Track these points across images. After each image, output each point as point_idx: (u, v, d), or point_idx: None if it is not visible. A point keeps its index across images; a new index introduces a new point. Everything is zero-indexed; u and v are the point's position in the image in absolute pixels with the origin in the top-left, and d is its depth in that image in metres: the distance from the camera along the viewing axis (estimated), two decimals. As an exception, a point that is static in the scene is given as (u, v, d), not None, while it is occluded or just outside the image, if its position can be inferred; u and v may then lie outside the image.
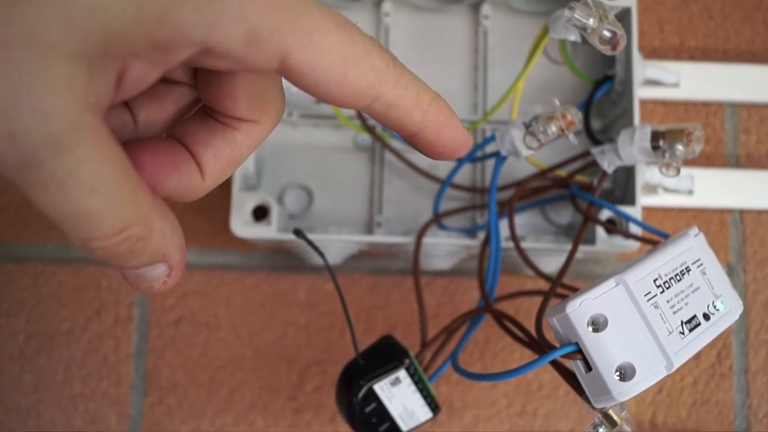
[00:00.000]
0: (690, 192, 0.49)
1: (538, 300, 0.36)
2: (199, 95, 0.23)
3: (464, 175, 0.49)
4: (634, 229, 0.42)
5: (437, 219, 0.46)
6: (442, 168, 0.48)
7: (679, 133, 0.36)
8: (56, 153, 0.16)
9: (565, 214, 0.49)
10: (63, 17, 0.16)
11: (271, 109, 0.22)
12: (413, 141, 0.23)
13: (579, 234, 0.39)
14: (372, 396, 0.37)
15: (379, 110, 0.21)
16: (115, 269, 0.20)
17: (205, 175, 0.22)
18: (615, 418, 0.31)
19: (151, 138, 0.22)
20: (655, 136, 0.37)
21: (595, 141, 0.46)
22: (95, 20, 0.16)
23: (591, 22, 0.35)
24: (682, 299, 0.31)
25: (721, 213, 0.53)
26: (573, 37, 0.37)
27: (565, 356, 0.30)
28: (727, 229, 0.53)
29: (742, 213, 0.53)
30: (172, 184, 0.22)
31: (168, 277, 0.21)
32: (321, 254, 0.38)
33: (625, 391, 0.29)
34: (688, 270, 0.32)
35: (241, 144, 0.23)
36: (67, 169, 0.16)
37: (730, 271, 0.52)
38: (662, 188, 0.49)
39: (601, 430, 0.32)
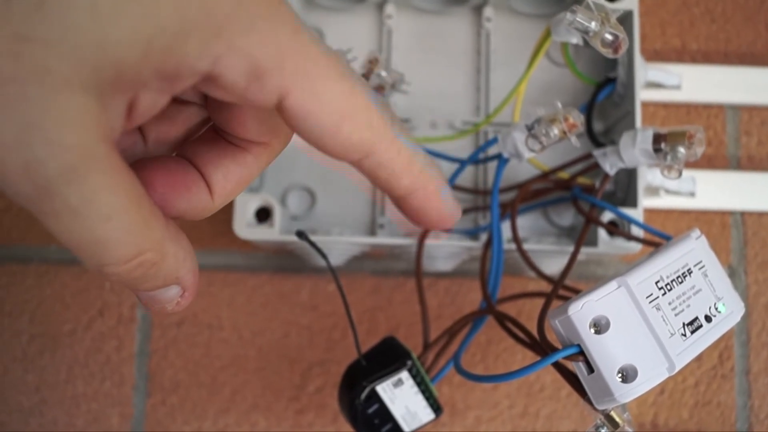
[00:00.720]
0: (692, 194, 0.49)
1: (540, 302, 0.37)
2: (210, 116, 0.23)
3: (467, 177, 0.49)
4: (636, 231, 0.42)
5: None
6: (445, 170, 0.48)
7: (681, 135, 0.36)
8: (71, 183, 0.16)
9: (566, 216, 0.49)
10: (75, 52, 0.16)
11: (280, 132, 0.23)
12: (399, 204, 0.23)
13: (581, 236, 0.39)
14: (374, 397, 0.38)
15: (368, 167, 0.21)
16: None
17: (214, 195, 0.23)
18: (617, 419, 0.32)
19: (161, 157, 0.23)
20: (657, 139, 0.37)
21: (597, 143, 0.46)
22: (106, 55, 0.16)
23: (593, 25, 0.35)
24: (684, 301, 0.31)
25: (723, 215, 0.53)
26: (575, 40, 0.37)
27: (567, 358, 0.30)
28: (728, 231, 0.53)
29: (743, 215, 0.53)
30: (182, 204, 0.22)
31: (181, 298, 0.22)
32: (324, 256, 0.38)
33: (627, 393, 0.29)
34: (689, 272, 0.32)
35: (250, 165, 0.23)
36: (81, 198, 0.17)
37: (732, 273, 0.52)
38: (664, 190, 0.49)
39: (603, 431, 0.32)
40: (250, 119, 0.21)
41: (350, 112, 0.20)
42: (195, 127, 0.23)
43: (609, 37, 0.35)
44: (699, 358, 0.50)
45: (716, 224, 0.53)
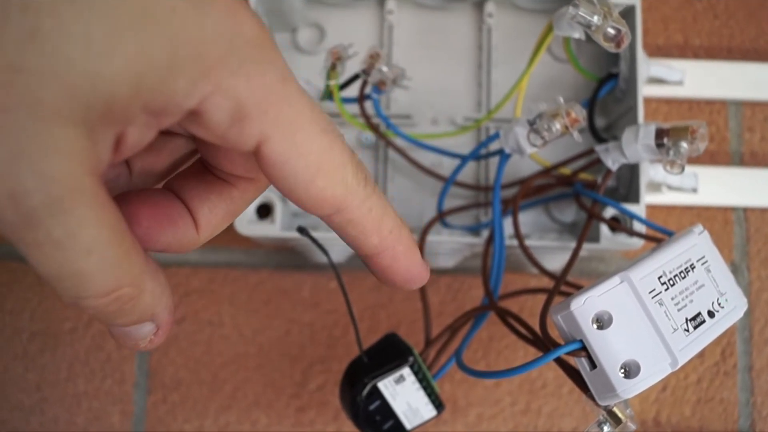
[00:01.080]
0: (694, 190, 0.49)
1: (541, 298, 0.36)
2: (197, 150, 0.23)
3: (468, 173, 0.49)
4: (639, 226, 0.42)
5: (441, 217, 0.46)
6: (446, 166, 0.48)
7: (684, 130, 0.36)
8: (55, 214, 0.16)
9: (569, 212, 0.49)
10: (67, 85, 0.16)
11: None
12: (367, 262, 0.23)
13: (583, 232, 0.39)
14: (376, 394, 0.37)
15: (337, 222, 0.21)
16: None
17: (200, 229, 0.23)
18: (619, 415, 0.31)
19: (147, 190, 0.23)
20: (660, 134, 0.37)
21: (599, 139, 0.46)
22: (97, 89, 0.16)
23: (595, 19, 0.35)
24: (687, 297, 0.31)
25: (725, 211, 0.53)
26: (577, 34, 0.37)
27: (569, 353, 0.30)
28: (731, 227, 0.52)
29: (746, 211, 0.53)
30: (167, 238, 0.22)
31: (155, 336, 0.22)
32: (325, 252, 0.38)
33: (630, 389, 0.29)
34: (692, 267, 0.32)
35: (237, 200, 0.23)
36: (64, 230, 0.17)
37: (734, 270, 0.52)
38: (666, 186, 0.49)
39: (605, 427, 0.32)
40: (237, 155, 0.21)
41: (326, 167, 0.20)
42: (181, 159, 0.23)
43: (611, 31, 0.35)
44: (701, 355, 0.50)
45: (719, 220, 0.52)
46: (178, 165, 0.23)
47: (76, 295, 0.18)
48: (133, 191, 0.22)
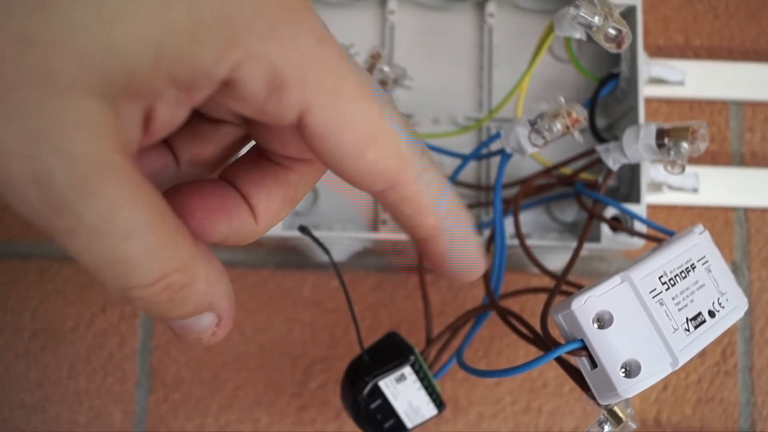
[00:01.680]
0: (695, 190, 0.49)
1: (542, 297, 0.37)
2: (249, 134, 0.21)
3: (469, 173, 0.49)
4: (639, 226, 0.42)
5: (442, 216, 0.46)
6: (447, 166, 0.48)
7: (684, 130, 0.36)
8: (84, 196, 0.15)
9: (569, 212, 0.49)
10: (81, 57, 0.15)
11: None
12: (421, 246, 0.21)
13: (584, 231, 0.39)
14: (377, 392, 0.38)
15: (392, 200, 0.19)
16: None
17: (258, 217, 0.21)
18: (620, 414, 0.32)
19: (197, 181, 0.21)
20: (661, 134, 0.37)
21: (600, 139, 0.46)
22: (114, 59, 0.15)
23: (596, 19, 0.35)
24: (688, 296, 0.31)
25: (726, 211, 0.53)
26: (578, 34, 0.37)
27: (570, 353, 0.30)
28: (731, 228, 0.53)
29: (746, 211, 0.53)
30: (223, 229, 0.20)
31: (217, 328, 0.20)
32: (326, 251, 0.38)
33: (631, 388, 0.29)
34: (693, 267, 0.32)
35: (295, 185, 0.21)
36: (97, 213, 0.15)
37: (735, 270, 0.52)
38: (667, 186, 0.49)
39: (606, 426, 0.32)
40: (289, 134, 0.20)
41: (376, 137, 0.18)
42: (232, 147, 0.22)
43: (612, 31, 0.35)
44: (702, 355, 0.50)
45: (719, 220, 0.53)
46: (230, 154, 0.22)
47: (122, 285, 0.17)
48: (183, 183, 0.21)
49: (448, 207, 0.20)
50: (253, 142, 0.22)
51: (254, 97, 0.17)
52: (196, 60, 0.16)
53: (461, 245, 0.21)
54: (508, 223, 0.43)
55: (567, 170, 0.44)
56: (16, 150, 0.15)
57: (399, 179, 0.19)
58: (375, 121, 0.18)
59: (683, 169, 0.37)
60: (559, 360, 0.32)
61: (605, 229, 0.43)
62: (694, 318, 0.31)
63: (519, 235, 0.42)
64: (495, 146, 0.43)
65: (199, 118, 0.21)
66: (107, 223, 0.16)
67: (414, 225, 0.20)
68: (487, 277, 0.41)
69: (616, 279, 0.30)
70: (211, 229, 0.20)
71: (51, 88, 0.15)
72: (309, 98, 0.17)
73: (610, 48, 0.36)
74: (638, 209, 0.43)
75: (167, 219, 0.17)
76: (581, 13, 0.35)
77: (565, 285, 0.37)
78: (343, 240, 0.46)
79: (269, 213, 0.21)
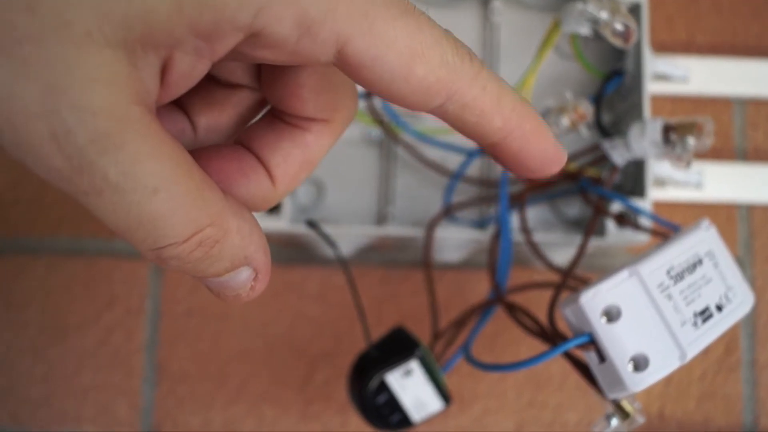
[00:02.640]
0: (699, 185, 0.49)
1: (547, 293, 0.37)
2: (264, 95, 0.21)
3: (475, 169, 0.49)
4: (645, 222, 0.42)
5: (448, 212, 0.46)
6: (453, 161, 0.48)
7: (691, 126, 0.37)
8: (106, 152, 0.15)
9: (575, 208, 0.49)
10: (96, 4, 0.14)
11: (342, 106, 0.21)
12: (494, 152, 0.20)
13: (590, 226, 0.39)
14: (384, 386, 0.38)
15: (452, 112, 0.18)
16: (191, 275, 0.18)
17: (275, 181, 0.20)
18: (627, 408, 0.32)
19: (214, 146, 0.21)
20: (667, 130, 0.37)
21: (606, 135, 0.47)
22: (131, 6, 0.14)
23: (603, 15, 0.35)
24: (695, 290, 0.31)
25: (729, 207, 0.53)
26: (584, 30, 0.37)
27: (578, 347, 0.30)
28: (735, 224, 0.53)
29: (750, 207, 0.53)
30: (240, 191, 0.20)
31: (255, 282, 0.19)
32: (333, 246, 0.39)
33: (639, 382, 0.29)
34: (700, 262, 0.32)
35: (312, 146, 0.21)
36: (120, 169, 0.15)
37: (738, 265, 0.52)
38: (671, 182, 0.49)
39: (613, 420, 0.32)
40: (307, 92, 0.19)
41: (421, 51, 0.17)
42: (248, 112, 0.21)
43: (619, 27, 0.35)
44: (705, 350, 0.50)
45: (723, 216, 0.53)
46: (246, 119, 0.22)
47: (154, 245, 0.16)
48: (200, 148, 0.20)
49: (511, 104, 0.19)
50: (268, 106, 0.21)
51: (285, 41, 0.16)
52: (219, 4, 0.15)
53: (535, 139, 0.20)
54: (514, 219, 0.43)
55: (572, 166, 0.44)
56: (33, 107, 0.14)
57: (454, 89, 0.18)
58: (414, 36, 0.17)
59: (689, 164, 0.37)
60: (566, 354, 0.32)
61: (610, 224, 0.43)
62: (702, 312, 0.31)
63: (525, 230, 0.42)
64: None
65: (215, 84, 0.21)
66: (132, 179, 0.15)
67: (481, 132, 0.19)
68: (493, 271, 0.41)
69: (624, 273, 0.30)
70: (228, 192, 0.19)
71: (66, 39, 0.14)
72: (344, 29, 0.16)
73: (618, 43, 0.36)
74: (644, 204, 0.43)
75: (193, 172, 0.17)
76: (588, 9, 0.35)
77: (570, 280, 0.38)
78: (349, 235, 0.46)
79: (287, 176, 0.21)
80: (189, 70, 0.17)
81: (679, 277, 0.31)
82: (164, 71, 0.16)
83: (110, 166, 0.15)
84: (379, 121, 0.47)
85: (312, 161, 0.21)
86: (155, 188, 0.15)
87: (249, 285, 0.19)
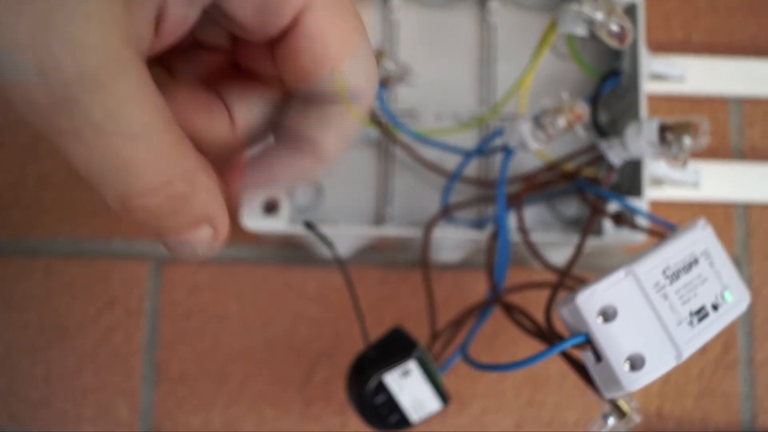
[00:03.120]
0: (695, 184, 0.50)
1: (545, 293, 0.37)
2: (238, 58, 0.21)
3: (472, 169, 0.49)
4: (642, 221, 0.42)
5: (446, 212, 0.46)
6: (451, 161, 0.48)
7: (687, 126, 0.37)
8: (93, 90, 0.14)
9: (572, 208, 0.49)
10: None
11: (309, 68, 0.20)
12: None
13: (587, 226, 0.40)
14: (382, 387, 0.38)
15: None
16: (157, 238, 0.18)
17: (236, 124, 0.20)
18: (624, 408, 0.32)
19: (183, 78, 0.21)
20: (663, 129, 0.37)
21: (603, 135, 0.47)
22: None
23: (599, 15, 0.36)
24: (691, 290, 0.32)
25: (726, 206, 0.53)
26: (580, 31, 0.37)
27: (575, 347, 0.31)
28: (732, 222, 0.53)
29: (747, 206, 0.53)
30: (201, 124, 0.20)
31: (213, 239, 0.19)
32: (331, 246, 0.39)
33: (635, 381, 0.30)
34: (696, 261, 0.33)
35: (276, 101, 0.21)
36: (105, 110, 0.14)
37: (735, 264, 0.52)
38: (668, 181, 0.49)
39: (610, 419, 0.32)
40: (281, 53, 0.19)
41: (352, 50, 0.18)
42: (223, 71, 0.21)
43: (615, 28, 0.36)
44: (703, 348, 0.51)
45: (720, 216, 0.53)
46: (221, 77, 0.22)
47: (124, 192, 0.16)
48: (173, 79, 0.20)
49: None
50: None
51: None
52: None
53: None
54: (511, 219, 0.43)
55: (569, 166, 0.44)
56: (23, 38, 0.14)
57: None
58: (355, 34, 0.18)
59: (685, 163, 0.37)
60: (563, 354, 0.32)
61: (607, 224, 0.43)
62: (698, 311, 0.31)
63: (523, 230, 0.42)
64: (498, 142, 0.43)
65: (197, 46, 0.21)
66: (114, 121, 0.15)
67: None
68: (490, 271, 0.41)
69: (621, 273, 0.30)
70: (190, 121, 0.19)
71: None
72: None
73: (613, 44, 0.36)
74: (640, 204, 0.43)
75: (172, 126, 0.16)
76: (584, 10, 0.35)
77: (568, 280, 0.38)
78: (347, 236, 0.46)
79: (246, 122, 0.21)
80: (181, 18, 0.17)
81: (675, 277, 0.31)
82: (158, 19, 0.16)
83: (95, 105, 0.14)
84: (376, 122, 0.47)
85: (272, 114, 0.21)
86: (135, 134, 0.15)
87: (207, 243, 0.19)
